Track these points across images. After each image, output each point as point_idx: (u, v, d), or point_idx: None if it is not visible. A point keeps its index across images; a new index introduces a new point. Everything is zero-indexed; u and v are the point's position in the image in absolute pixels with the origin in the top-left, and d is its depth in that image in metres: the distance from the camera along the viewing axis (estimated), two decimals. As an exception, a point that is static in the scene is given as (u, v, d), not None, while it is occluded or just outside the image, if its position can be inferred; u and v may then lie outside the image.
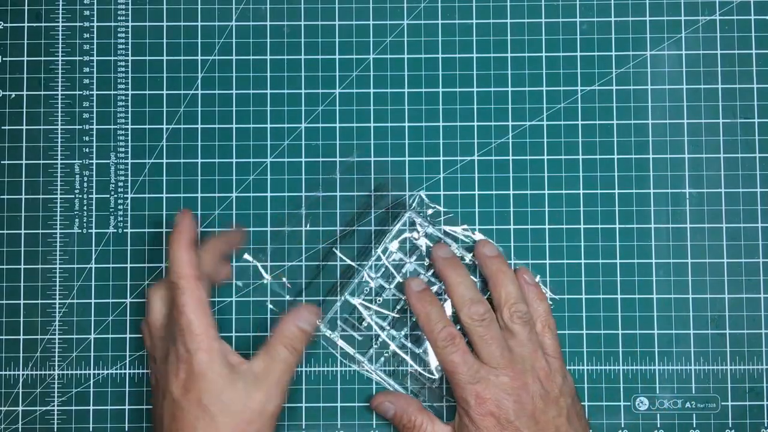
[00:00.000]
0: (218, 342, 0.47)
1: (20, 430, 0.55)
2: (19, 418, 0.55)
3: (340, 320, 0.55)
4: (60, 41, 0.56)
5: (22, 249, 0.56)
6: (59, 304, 0.55)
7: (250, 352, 0.51)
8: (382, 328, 0.54)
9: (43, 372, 0.55)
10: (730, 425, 0.55)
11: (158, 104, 0.56)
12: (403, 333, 0.54)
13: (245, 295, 0.55)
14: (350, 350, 0.54)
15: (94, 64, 0.56)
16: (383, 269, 0.55)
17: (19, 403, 0.55)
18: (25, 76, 0.56)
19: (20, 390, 0.55)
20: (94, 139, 0.56)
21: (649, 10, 0.56)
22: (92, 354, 0.55)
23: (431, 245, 0.54)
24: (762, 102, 0.56)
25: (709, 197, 0.55)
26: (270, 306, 0.55)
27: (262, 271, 0.55)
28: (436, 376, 0.54)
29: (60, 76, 0.56)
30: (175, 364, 0.47)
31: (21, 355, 0.55)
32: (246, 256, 0.55)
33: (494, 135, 0.56)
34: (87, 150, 0.56)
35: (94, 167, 0.56)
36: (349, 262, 0.55)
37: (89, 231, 0.56)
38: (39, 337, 0.55)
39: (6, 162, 0.56)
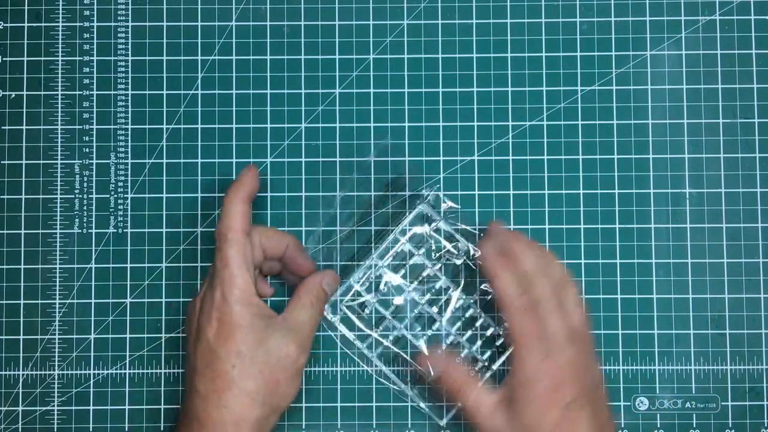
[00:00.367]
0: (256, 297, 0.49)
1: (20, 430, 0.55)
2: (19, 418, 0.55)
3: (343, 305, 0.55)
4: (60, 41, 0.56)
5: (22, 249, 0.56)
6: (59, 304, 0.55)
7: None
8: (382, 319, 0.54)
9: (43, 372, 0.55)
10: (730, 425, 0.55)
11: (158, 104, 0.56)
12: (403, 324, 0.54)
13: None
14: (349, 335, 0.54)
15: (94, 64, 0.56)
16: (391, 259, 0.55)
17: (19, 403, 0.55)
18: (25, 76, 0.56)
19: (20, 390, 0.55)
20: (94, 139, 0.56)
21: (649, 10, 0.56)
22: (92, 354, 0.55)
23: (441, 240, 0.54)
24: (762, 102, 0.56)
25: (709, 197, 0.55)
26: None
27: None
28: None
29: (60, 76, 0.56)
30: (210, 311, 0.48)
31: (21, 355, 0.55)
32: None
33: (494, 135, 0.56)
34: (87, 150, 0.56)
35: (94, 167, 0.56)
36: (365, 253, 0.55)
37: (89, 231, 0.56)
38: (39, 337, 0.55)
39: (6, 162, 0.56)
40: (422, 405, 0.54)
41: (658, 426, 0.54)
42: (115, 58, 0.56)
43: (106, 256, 0.55)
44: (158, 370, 0.55)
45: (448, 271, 0.55)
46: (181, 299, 0.55)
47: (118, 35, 0.56)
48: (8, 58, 0.56)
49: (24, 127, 0.56)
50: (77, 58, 0.56)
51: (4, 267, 0.55)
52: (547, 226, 0.55)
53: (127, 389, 0.55)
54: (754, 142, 0.56)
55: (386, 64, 0.56)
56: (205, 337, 0.48)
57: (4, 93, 0.56)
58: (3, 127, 0.56)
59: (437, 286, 0.54)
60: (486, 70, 0.56)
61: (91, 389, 0.55)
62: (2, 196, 0.56)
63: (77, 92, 0.56)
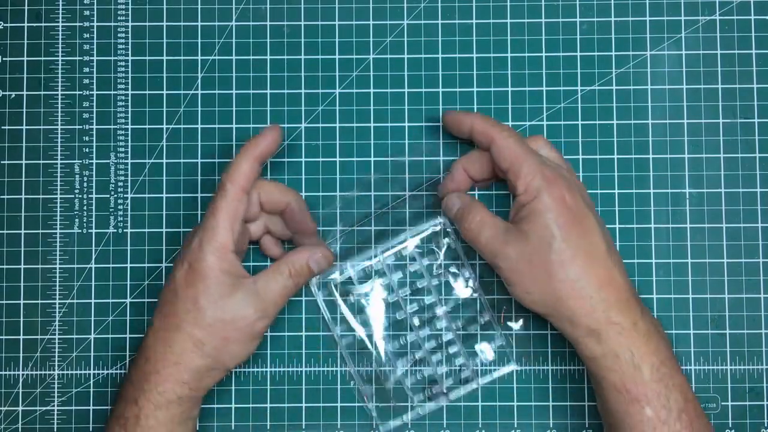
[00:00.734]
0: (232, 255, 0.48)
1: (20, 430, 0.55)
2: (19, 418, 0.55)
3: (332, 284, 0.55)
4: (60, 41, 0.56)
5: (22, 249, 0.55)
6: (59, 304, 0.55)
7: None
8: (362, 309, 0.54)
9: (43, 372, 0.55)
10: (730, 425, 0.55)
11: (158, 104, 0.56)
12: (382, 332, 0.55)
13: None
14: (327, 315, 0.54)
15: (94, 64, 0.56)
16: (393, 258, 0.55)
17: (19, 403, 0.55)
18: (25, 76, 0.56)
19: (20, 390, 0.55)
20: (94, 139, 0.56)
21: (649, 10, 0.56)
22: (92, 354, 0.55)
23: (442, 260, 0.55)
24: (762, 102, 0.56)
25: (709, 197, 0.55)
26: None
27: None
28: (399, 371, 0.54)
29: (60, 76, 0.56)
30: (185, 254, 0.48)
31: (21, 355, 0.55)
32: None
33: (494, 135, 0.56)
34: (87, 150, 0.56)
35: (94, 167, 0.56)
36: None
37: (89, 231, 0.56)
38: (39, 337, 0.55)
39: (6, 162, 0.56)
40: (369, 405, 0.54)
41: (658, 426, 0.54)
42: (115, 58, 0.56)
43: (106, 256, 0.55)
44: (158, 370, 0.55)
45: (441, 289, 0.55)
46: (181, 299, 0.55)
47: (118, 35, 0.56)
48: (8, 58, 0.56)
49: (24, 127, 0.56)
50: (77, 58, 0.56)
51: (4, 267, 0.55)
52: (547, 226, 0.55)
53: (127, 389, 0.55)
54: (754, 142, 0.56)
55: (386, 64, 0.56)
56: (173, 277, 0.49)
57: (4, 93, 0.56)
58: (3, 127, 0.56)
59: (426, 300, 0.55)
60: (486, 70, 0.56)
61: (91, 389, 0.55)
62: (2, 196, 0.56)
63: (77, 92, 0.56)
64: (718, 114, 0.56)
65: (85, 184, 0.56)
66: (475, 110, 0.56)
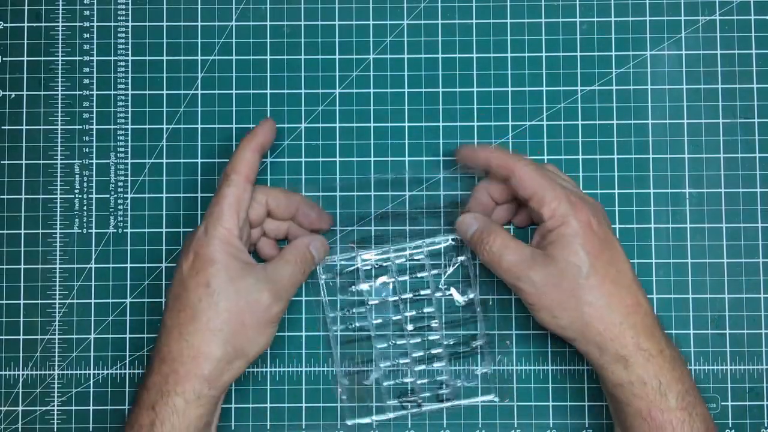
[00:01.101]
0: (238, 241, 0.48)
1: (20, 430, 0.55)
2: (19, 418, 0.55)
3: (335, 271, 0.55)
4: (60, 41, 0.56)
5: (22, 249, 0.55)
6: (59, 304, 0.55)
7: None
8: (362, 303, 0.55)
9: (43, 372, 0.55)
10: (730, 425, 0.55)
11: (158, 104, 0.56)
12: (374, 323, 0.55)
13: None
14: (324, 299, 0.55)
15: (94, 64, 0.56)
16: (404, 259, 0.55)
17: (19, 403, 0.55)
18: (25, 76, 0.56)
19: (20, 390, 0.55)
20: (94, 139, 0.56)
21: (649, 10, 0.56)
22: (92, 354, 0.55)
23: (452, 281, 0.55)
24: (762, 102, 0.56)
25: (709, 197, 0.55)
26: None
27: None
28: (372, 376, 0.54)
29: (60, 76, 0.56)
30: (190, 244, 0.48)
31: (21, 355, 0.55)
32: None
33: (494, 135, 0.56)
34: (87, 150, 0.56)
35: (94, 167, 0.56)
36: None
37: (89, 231, 0.56)
38: (39, 337, 0.55)
39: (6, 162, 0.56)
40: (343, 398, 0.54)
41: (658, 426, 0.54)
42: (115, 58, 0.56)
43: (106, 256, 0.55)
44: (158, 370, 0.55)
45: (442, 303, 0.55)
46: (181, 299, 0.55)
47: (118, 35, 0.56)
48: (8, 58, 0.56)
49: (24, 127, 0.56)
50: (77, 58, 0.56)
51: (4, 267, 0.55)
52: (547, 226, 0.55)
53: (127, 389, 0.55)
54: (754, 142, 0.56)
55: (386, 64, 0.56)
56: (179, 270, 0.48)
57: (4, 93, 0.56)
58: (3, 127, 0.56)
59: (425, 310, 0.55)
60: (486, 70, 0.56)
61: (91, 389, 0.55)
62: (2, 196, 0.56)
63: (77, 92, 0.56)
64: (718, 114, 0.56)
65: (85, 184, 0.56)
66: (475, 110, 0.56)
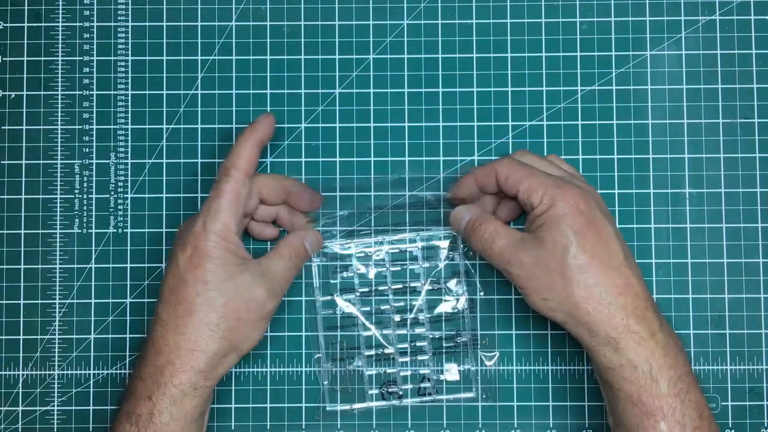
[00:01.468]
0: (235, 237, 0.49)
1: (20, 430, 0.55)
2: (19, 418, 0.55)
3: (329, 256, 0.55)
4: (60, 41, 0.56)
5: (22, 249, 0.56)
6: (59, 304, 0.55)
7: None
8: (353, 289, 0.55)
9: (43, 372, 0.55)
10: (730, 425, 0.55)
11: (158, 104, 0.56)
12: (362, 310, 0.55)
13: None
14: (315, 281, 0.55)
15: (94, 64, 0.56)
16: (398, 250, 0.55)
17: (19, 403, 0.55)
18: (25, 76, 0.56)
19: (20, 390, 0.55)
20: (94, 139, 0.56)
21: (649, 10, 0.56)
22: (92, 354, 0.55)
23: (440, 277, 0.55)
24: (762, 102, 0.56)
25: (709, 197, 0.55)
26: None
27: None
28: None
29: (60, 76, 0.56)
30: (187, 238, 0.48)
31: (21, 355, 0.55)
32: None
33: (494, 135, 0.56)
34: (87, 150, 0.56)
35: (94, 167, 0.56)
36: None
37: (89, 231, 0.56)
38: (39, 337, 0.55)
39: (6, 162, 0.56)
40: (325, 383, 0.54)
41: (658, 426, 0.54)
42: (115, 58, 0.56)
43: (106, 256, 0.55)
44: (158, 370, 0.55)
45: (431, 300, 0.55)
46: (181, 299, 0.55)
47: (118, 35, 0.56)
48: (8, 58, 0.56)
49: (24, 127, 0.56)
50: (77, 58, 0.56)
51: (4, 267, 0.55)
52: (547, 226, 0.55)
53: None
54: (754, 142, 0.56)
55: (386, 64, 0.56)
56: (176, 263, 0.48)
57: (4, 93, 0.56)
58: (3, 127, 0.56)
59: (414, 302, 0.55)
60: (486, 70, 0.56)
61: (91, 389, 0.55)
62: (2, 196, 0.56)
63: (77, 92, 0.56)
64: (718, 114, 0.56)
65: (85, 184, 0.56)
66: (475, 110, 0.56)
